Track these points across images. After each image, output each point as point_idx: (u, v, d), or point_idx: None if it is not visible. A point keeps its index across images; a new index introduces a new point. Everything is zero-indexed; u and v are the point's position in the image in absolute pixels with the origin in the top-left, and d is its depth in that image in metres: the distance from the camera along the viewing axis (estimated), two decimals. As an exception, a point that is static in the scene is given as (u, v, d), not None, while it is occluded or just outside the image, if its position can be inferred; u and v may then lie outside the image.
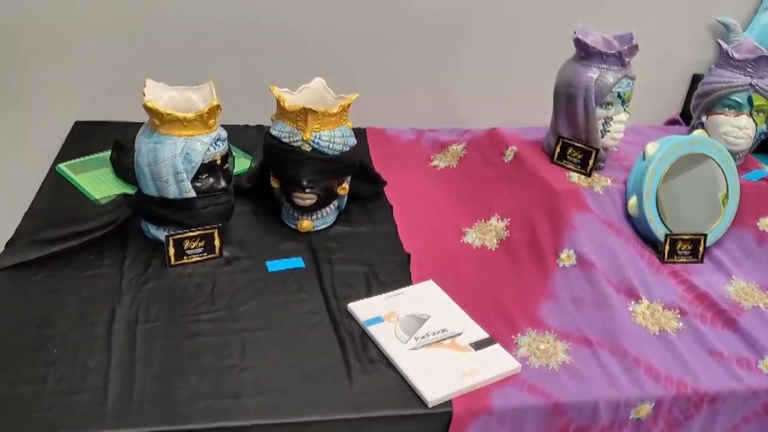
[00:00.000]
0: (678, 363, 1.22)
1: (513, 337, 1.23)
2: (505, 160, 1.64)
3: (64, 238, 1.28)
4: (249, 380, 1.07)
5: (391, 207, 1.58)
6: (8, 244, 1.29)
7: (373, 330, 1.19)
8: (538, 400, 1.10)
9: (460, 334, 1.20)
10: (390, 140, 1.89)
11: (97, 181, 1.54)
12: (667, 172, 1.47)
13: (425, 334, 1.19)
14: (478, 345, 1.18)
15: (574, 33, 1.49)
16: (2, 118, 1.78)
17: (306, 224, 1.44)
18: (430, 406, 1.06)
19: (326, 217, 1.47)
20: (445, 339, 1.19)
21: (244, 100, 1.68)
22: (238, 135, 1.61)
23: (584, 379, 1.15)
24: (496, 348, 1.18)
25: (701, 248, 1.48)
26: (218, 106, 1.26)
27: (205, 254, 1.32)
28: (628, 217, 1.49)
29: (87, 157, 1.63)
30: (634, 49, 1.46)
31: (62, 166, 1.58)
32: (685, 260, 1.47)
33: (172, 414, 1.00)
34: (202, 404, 1.01)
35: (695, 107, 1.65)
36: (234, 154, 1.66)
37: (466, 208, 1.59)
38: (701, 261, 1.48)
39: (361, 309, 1.24)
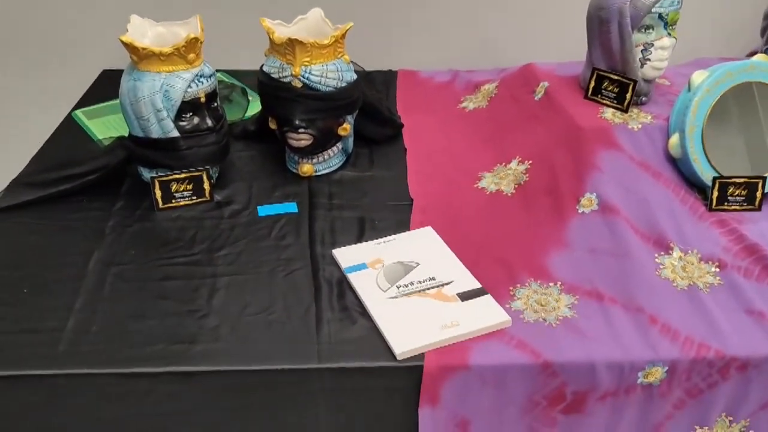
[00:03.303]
0: (705, 323, 1.04)
1: (511, 288, 1.10)
2: (536, 98, 1.47)
3: (56, 181, 1.27)
4: (208, 326, 1.01)
5: (406, 150, 1.47)
6: (7, 187, 1.29)
7: (353, 277, 1.10)
8: (525, 357, 0.98)
9: (448, 284, 1.09)
10: (421, 82, 1.77)
11: (108, 126, 1.53)
12: (716, 104, 1.26)
13: (409, 282, 1.09)
14: (467, 296, 1.06)
15: (610, -53, 1.29)
16: (31, 68, 1.81)
17: (307, 168, 1.35)
18: (398, 358, 0.97)
19: (330, 160, 1.38)
20: (430, 288, 1.08)
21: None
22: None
23: (584, 337, 1.01)
24: (486, 299, 1.06)
25: (759, 193, 1.27)
26: (197, 39, 1.19)
27: (195, 198, 1.27)
28: (671, 159, 1.30)
29: (104, 104, 1.62)
30: (676, -40, 1.25)
31: (78, 112, 1.58)
32: (738, 207, 1.26)
33: (122, 356, 0.96)
34: (154, 348, 0.97)
35: (763, 30, 1.41)
36: (251, 97, 1.61)
37: (487, 151, 1.45)
38: (759, 208, 1.27)
39: (346, 255, 1.15)
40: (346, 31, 1.26)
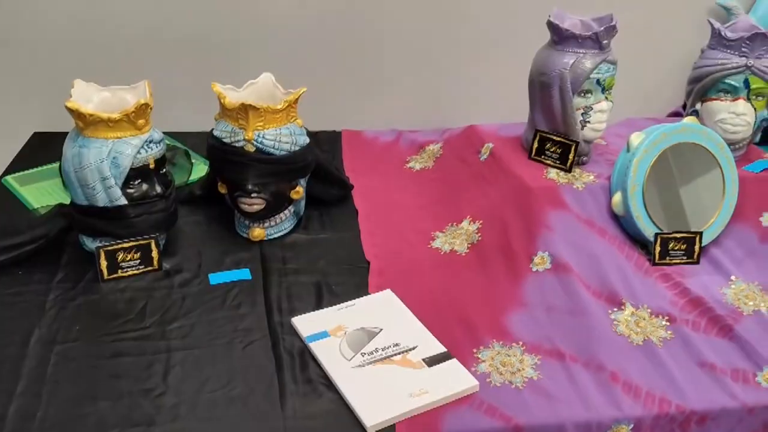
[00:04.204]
0: (663, 378, 1.07)
1: (474, 350, 1.10)
2: (481, 159, 1.51)
3: (-10, 253, 1.18)
4: (166, 406, 0.96)
5: (357, 212, 1.46)
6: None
7: (315, 346, 1.07)
8: (496, 423, 0.97)
9: (413, 349, 1.07)
10: (366, 142, 1.78)
11: (43, 193, 1.45)
12: (654, 164, 1.32)
13: (374, 349, 1.07)
14: (433, 361, 1.05)
15: (549, 17, 1.36)
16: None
17: (258, 232, 1.33)
18: (369, 431, 0.94)
19: (281, 224, 1.36)
20: (395, 354, 1.06)
21: (211, 104, 1.60)
22: (203, 141, 1.52)
23: (552, 399, 1.02)
24: (453, 364, 1.05)
25: (696, 247, 1.33)
26: (147, 105, 1.16)
27: (143, 267, 1.22)
28: (614, 216, 1.35)
29: (37, 169, 1.54)
30: (611, 30, 1.32)
31: (9, 178, 1.50)
32: (678, 261, 1.32)
33: (73, 445, 0.89)
34: (108, 434, 0.90)
35: (688, 94, 1.50)
36: (194, 160, 1.58)
37: (437, 211, 1.46)
38: (697, 262, 1.33)
39: (306, 323, 1.12)
40: (300, 95, 1.26)
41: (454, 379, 1.02)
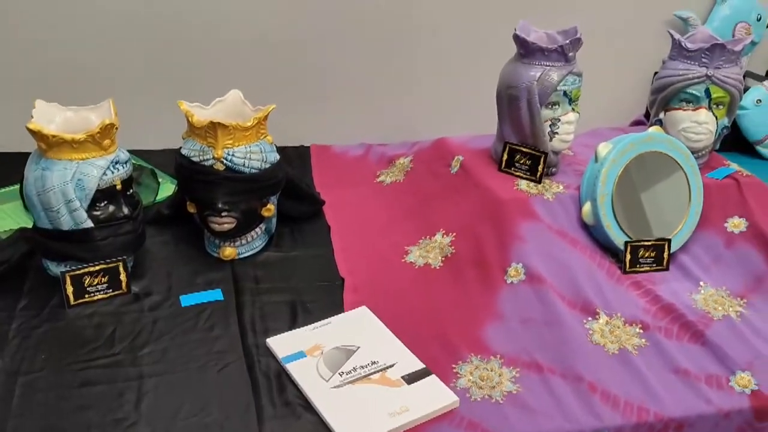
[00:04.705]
0: (640, 386, 1.08)
1: (453, 366, 1.10)
2: (452, 171, 1.51)
3: (-52, 281, 1.14)
4: (139, 436, 0.92)
5: (329, 228, 1.45)
6: None
7: (292, 367, 1.05)
8: (478, 438, 0.96)
9: (391, 366, 1.06)
10: (335, 157, 1.77)
11: (2, 216, 1.40)
12: (622, 174, 1.34)
13: (352, 368, 1.06)
14: (412, 378, 1.04)
15: (515, 30, 1.37)
16: None
17: (229, 252, 1.30)
18: (350, 453, 0.92)
19: (253, 242, 1.33)
20: (374, 373, 1.05)
21: (178, 122, 1.57)
22: (168, 159, 1.48)
23: (532, 412, 1.02)
24: (432, 380, 1.04)
25: (665, 254, 1.35)
26: (112, 125, 1.13)
27: (111, 291, 1.18)
28: (585, 226, 1.36)
29: (-4, 192, 1.49)
30: (577, 43, 1.34)
31: (-34, 202, 1.44)
32: (648, 268, 1.34)
33: (41, 482, 0.85)
34: (79, 468, 0.87)
35: (652, 104, 1.53)
36: (161, 179, 1.55)
37: (410, 224, 1.46)
38: (666, 268, 1.35)
39: (281, 344, 1.10)
40: (269, 112, 1.25)
41: (434, 396, 1.01)
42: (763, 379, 1.10)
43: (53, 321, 1.12)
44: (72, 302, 1.16)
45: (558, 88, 1.35)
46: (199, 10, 1.67)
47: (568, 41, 1.33)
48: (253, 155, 1.23)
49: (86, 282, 1.16)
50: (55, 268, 1.19)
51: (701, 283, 1.32)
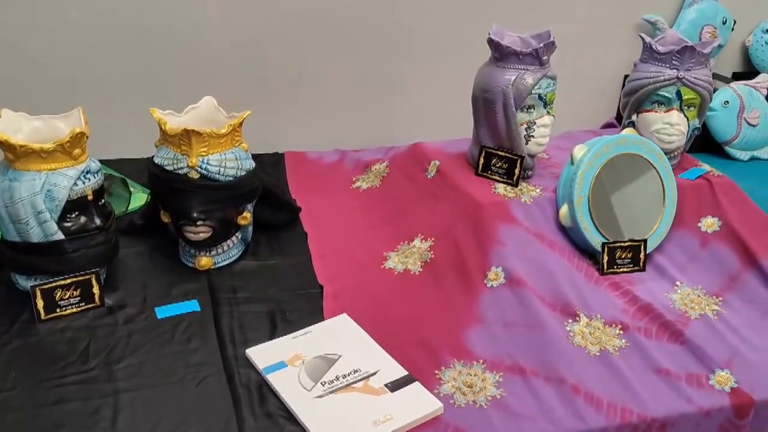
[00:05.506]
0: (622, 387, 1.08)
1: (436, 371, 1.09)
2: (428, 176, 1.51)
3: None
4: (117, 453, 0.90)
5: (307, 235, 1.43)
6: None
7: (273, 378, 1.03)
8: (463, 445, 0.96)
9: (374, 374, 1.05)
10: (310, 163, 1.75)
11: (-32, 230, 1.35)
12: (598, 175, 1.35)
13: (334, 377, 1.04)
14: (395, 385, 1.03)
15: (489, 34, 1.38)
16: None
17: (204, 261, 1.28)
18: (335, 464, 0.91)
19: (229, 251, 1.31)
20: (356, 381, 1.03)
21: (150, 130, 1.54)
22: (140, 168, 1.45)
23: (516, 416, 1.01)
24: (416, 387, 1.03)
25: (642, 255, 1.36)
26: (83, 134, 1.10)
27: (83, 304, 1.15)
28: (562, 228, 1.37)
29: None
30: (551, 46, 1.35)
31: (-72, 216, 1.39)
32: (626, 269, 1.35)
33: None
34: (54, 489, 0.84)
35: (624, 106, 1.55)
36: (132, 189, 1.51)
37: (388, 230, 1.45)
38: (643, 269, 1.36)
39: (261, 354, 1.08)
40: (244, 119, 1.23)
41: (418, 403, 1.00)
42: (742, 377, 1.11)
43: (24, 337, 1.09)
44: (43, 317, 1.12)
45: (533, 91, 1.35)
46: (171, 16, 1.64)
47: (542, 45, 1.34)
48: (228, 163, 1.21)
49: (57, 295, 1.13)
50: (24, 282, 1.16)
51: (677, 283, 1.34)
